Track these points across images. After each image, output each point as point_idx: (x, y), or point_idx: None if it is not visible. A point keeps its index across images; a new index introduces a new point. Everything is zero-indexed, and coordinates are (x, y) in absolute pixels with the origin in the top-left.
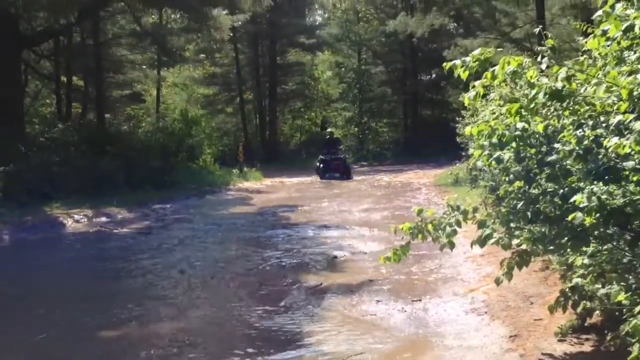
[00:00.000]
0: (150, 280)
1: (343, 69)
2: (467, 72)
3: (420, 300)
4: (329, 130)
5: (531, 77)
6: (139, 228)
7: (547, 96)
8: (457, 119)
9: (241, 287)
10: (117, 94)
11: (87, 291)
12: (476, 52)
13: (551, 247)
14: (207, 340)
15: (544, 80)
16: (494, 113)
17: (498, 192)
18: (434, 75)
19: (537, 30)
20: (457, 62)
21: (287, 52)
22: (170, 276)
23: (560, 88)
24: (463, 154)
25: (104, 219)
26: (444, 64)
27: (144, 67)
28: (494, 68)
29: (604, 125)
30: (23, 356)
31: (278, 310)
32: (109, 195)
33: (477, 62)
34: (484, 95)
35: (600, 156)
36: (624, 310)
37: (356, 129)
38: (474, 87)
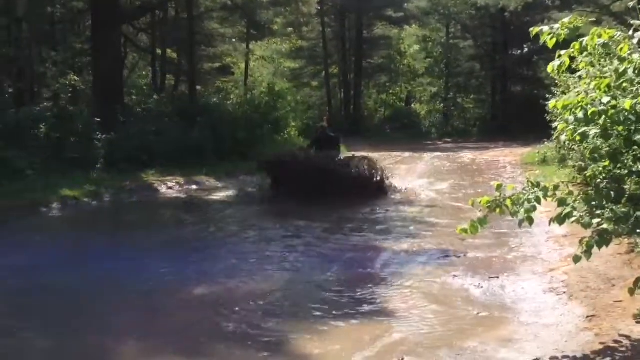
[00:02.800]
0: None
1: (430, 43)
2: (554, 40)
3: (497, 277)
4: (320, 124)
5: (622, 50)
6: (228, 196)
7: (637, 72)
8: (547, 96)
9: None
10: (208, 66)
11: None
12: (566, 19)
13: (637, 230)
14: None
15: (636, 56)
16: (580, 91)
17: (586, 173)
18: (525, 50)
19: (631, 3)
20: (545, 28)
21: (374, 26)
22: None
23: None
24: (552, 132)
25: (194, 186)
26: (531, 28)
27: (234, 40)
28: (583, 39)
29: None
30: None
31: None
32: (199, 164)
33: (566, 30)
34: (574, 71)
35: None
36: None
37: (441, 104)
38: (559, 56)
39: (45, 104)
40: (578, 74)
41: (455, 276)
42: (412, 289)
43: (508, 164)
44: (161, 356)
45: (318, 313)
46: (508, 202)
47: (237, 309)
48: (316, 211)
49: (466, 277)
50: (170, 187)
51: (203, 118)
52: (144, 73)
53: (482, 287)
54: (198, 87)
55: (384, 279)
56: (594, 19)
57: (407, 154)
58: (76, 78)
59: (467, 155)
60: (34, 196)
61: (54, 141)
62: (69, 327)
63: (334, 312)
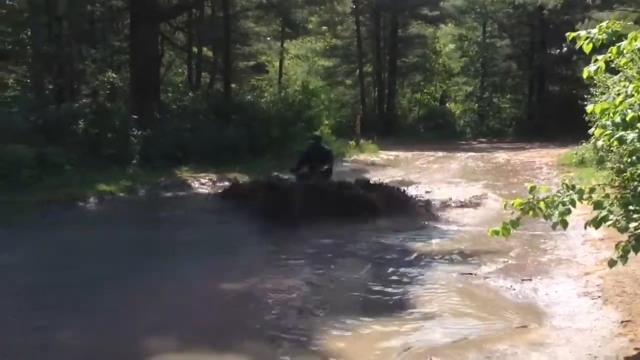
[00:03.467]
0: None
1: (466, 42)
2: (590, 45)
3: (530, 280)
4: (314, 134)
5: None
6: None
7: None
8: (586, 96)
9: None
10: (242, 65)
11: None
12: (604, 23)
13: None
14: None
15: None
16: (619, 94)
17: (624, 175)
18: (564, 50)
19: None
20: (582, 33)
21: (409, 25)
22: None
23: None
24: (590, 132)
25: (226, 183)
26: (567, 33)
27: (269, 38)
28: (620, 44)
29: None
30: None
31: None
32: (232, 162)
33: (604, 35)
34: (614, 70)
35: None
36: None
37: (476, 104)
38: (596, 60)
39: (84, 100)
40: (616, 77)
41: (487, 278)
42: (444, 289)
43: (544, 165)
44: (198, 353)
45: (349, 311)
46: (542, 205)
47: (270, 305)
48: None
49: (498, 279)
50: (203, 184)
51: (237, 116)
52: (179, 71)
53: (514, 289)
54: (233, 85)
55: (415, 278)
56: (637, 21)
57: (440, 154)
58: (114, 75)
59: (501, 156)
60: (71, 191)
61: (92, 137)
62: (104, 320)
63: (365, 311)
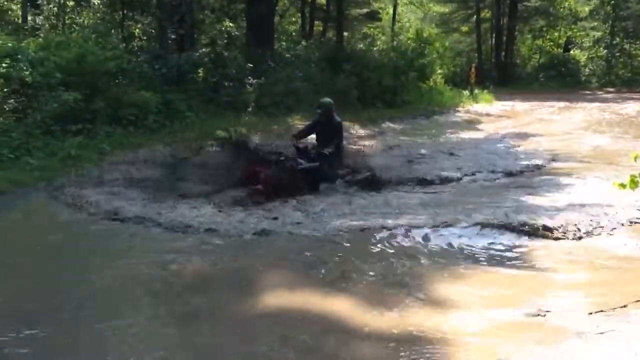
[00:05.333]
0: None
1: None
2: None
3: None
4: (323, 101)
5: None
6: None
7: None
8: None
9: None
10: (355, 12)
11: None
12: None
13: None
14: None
15: None
16: None
17: None
18: None
19: None
20: None
21: None
22: None
23: None
24: None
25: None
26: None
27: None
28: None
29: None
30: None
31: None
32: (343, 111)
33: None
34: None
35: None
36: None
37: (605, 50)
38: None
39: (203, 49)
40: None
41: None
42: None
43: None
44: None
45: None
46: None
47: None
48: None
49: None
50: None
51: (349, 65)
52: (293, 20)
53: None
54: (345, 34)
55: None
56: None
57: (562, 104)
58: (231, 24)
59: (631, 107)
60: (192, 136)
61: (210, 85)
62: None
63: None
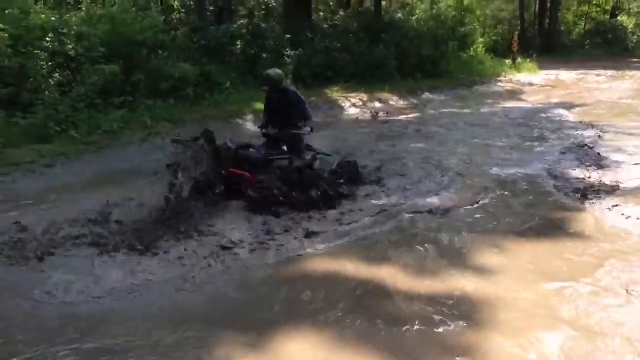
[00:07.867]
0: None
1: None
2: None
3: None
4: (268, 72)
5: None
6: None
7: None
8: None
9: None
10: None
11: None
12: None
13: None
14: None
15: None
16: None
17: None
18: None
19: None
20: None
21: None
22: None
23: None
24: None
25: (377, 103)
26: None
27: None
28: None
29: None
30: None
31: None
32: (382, 81)
33: None
34: None
35: None
36: None
37: None
38: None
39: (241, 21)
40: None
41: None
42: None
43: None
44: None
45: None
46: None
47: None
48: None
49: None
50: (353, 104)
51: (387, 34)
52: None
53: None
54: (383, 2)
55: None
56: None
57: (608, 72)
58: None
59: None
60: (230, 107)
61: (248, 57)
62: None
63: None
